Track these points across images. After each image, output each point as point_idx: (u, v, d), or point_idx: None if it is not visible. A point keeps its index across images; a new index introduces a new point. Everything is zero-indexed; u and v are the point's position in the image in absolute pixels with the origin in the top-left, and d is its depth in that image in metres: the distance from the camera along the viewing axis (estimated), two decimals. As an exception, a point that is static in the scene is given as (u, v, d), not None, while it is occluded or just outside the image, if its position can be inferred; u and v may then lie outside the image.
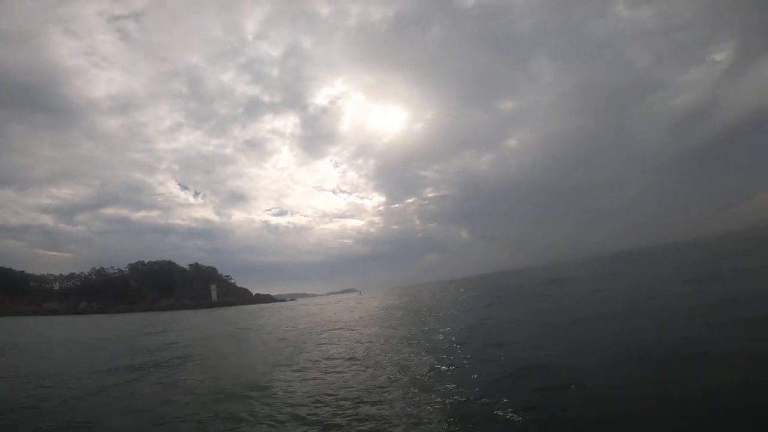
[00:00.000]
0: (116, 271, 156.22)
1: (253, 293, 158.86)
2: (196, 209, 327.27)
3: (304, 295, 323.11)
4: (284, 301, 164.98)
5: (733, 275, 17.40)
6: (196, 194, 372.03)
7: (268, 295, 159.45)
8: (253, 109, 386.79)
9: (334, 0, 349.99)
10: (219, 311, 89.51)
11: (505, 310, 19.57)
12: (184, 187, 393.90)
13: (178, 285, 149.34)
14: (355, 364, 10.82)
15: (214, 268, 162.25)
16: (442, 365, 9.44)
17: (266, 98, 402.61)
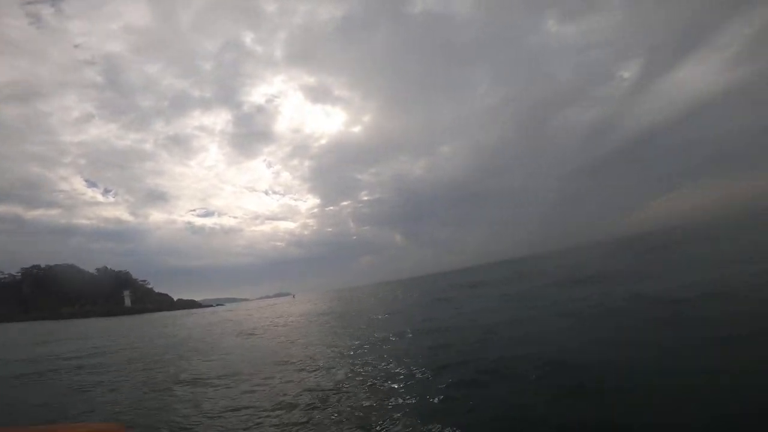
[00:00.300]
0: (6, 275, 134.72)
1: (175, 299, 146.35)
2: (105, 208, 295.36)
3: (234, 300, 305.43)
4: (211, 306, 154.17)
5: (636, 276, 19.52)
6: (106, 192, 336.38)
7: (192, 300, 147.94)
8: (180, 103, 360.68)
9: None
10: (132, 319, 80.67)
11: (439, 312, 19.87)
12: (91, 184, 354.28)
13: (83, 291, 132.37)
14: (287, 370, 10.07)
15: (128, 273, 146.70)
16: (384, 366, 9.11)
17: (196, 93, 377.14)
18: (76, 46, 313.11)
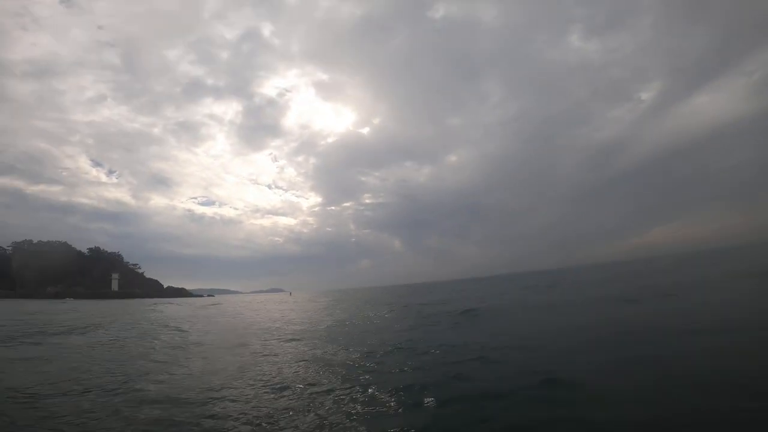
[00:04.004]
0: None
1: (165, 286, 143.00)
2: (108, 189, 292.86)
3: (226, 292, 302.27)
4: (201, 296, 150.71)
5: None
6: (110, 172, 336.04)
7: (183, 288, 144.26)
8: (193, 90, 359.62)
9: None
10: (116, 303, 77.35)
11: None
12: (96, 164, 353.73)
13: (72, 270, 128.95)
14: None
15: (120, 255, 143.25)
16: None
17: (210, 81, 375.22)
18: (100, 27, 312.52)
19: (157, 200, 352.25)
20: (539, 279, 53.57)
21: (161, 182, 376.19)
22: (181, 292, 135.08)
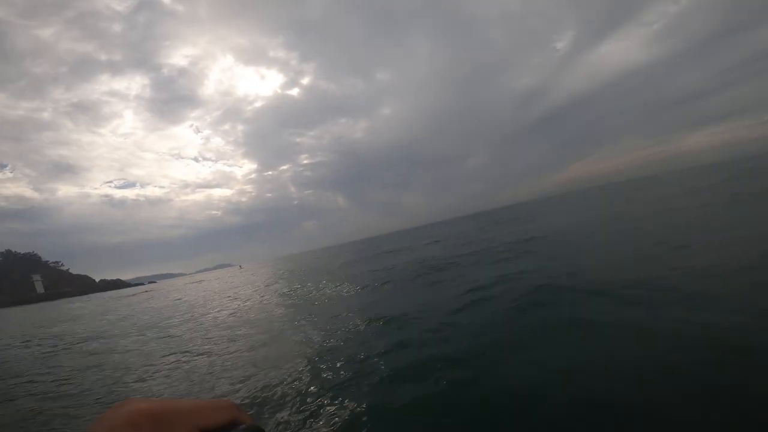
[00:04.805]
0: None
1: (97, 279, 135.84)
2: (3, 185, 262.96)
3: (169, 276, 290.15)
4: (141, 284, 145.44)
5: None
6: (1, 166, 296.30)
7: (118, 280, 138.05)
8: (83, 68, 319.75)
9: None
10: (44, 306, 72.95)
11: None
12: None
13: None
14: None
15: (37, 255, 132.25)
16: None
17: (103, 56, 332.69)
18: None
19: (66, 189, 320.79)
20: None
21: (66, 170, 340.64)
22: (116, 284, 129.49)
